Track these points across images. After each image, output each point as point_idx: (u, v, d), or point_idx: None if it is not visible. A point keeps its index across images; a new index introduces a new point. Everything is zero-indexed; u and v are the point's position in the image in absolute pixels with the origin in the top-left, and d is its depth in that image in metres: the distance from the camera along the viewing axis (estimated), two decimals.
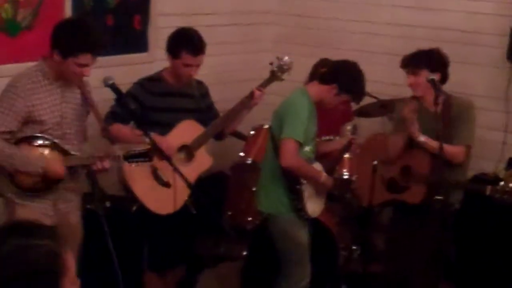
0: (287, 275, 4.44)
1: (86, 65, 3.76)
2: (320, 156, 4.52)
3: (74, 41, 3.71)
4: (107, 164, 3.87)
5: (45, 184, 3.85)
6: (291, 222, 4.36)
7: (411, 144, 4.46)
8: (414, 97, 4.49)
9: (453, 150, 4.31)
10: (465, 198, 4.61)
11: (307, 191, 4.31)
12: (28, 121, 3.77)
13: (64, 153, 3.85)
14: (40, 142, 3.81)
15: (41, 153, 3.79)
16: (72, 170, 3.93)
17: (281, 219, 4.38)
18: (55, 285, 1.86)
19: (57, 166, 3.81)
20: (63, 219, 4.00)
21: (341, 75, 4.29)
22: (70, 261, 1.92)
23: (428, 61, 4.35)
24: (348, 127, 4.62)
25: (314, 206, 4.40)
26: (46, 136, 3.82)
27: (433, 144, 4.27)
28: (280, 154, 4.18)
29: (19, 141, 3.79)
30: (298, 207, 4.31)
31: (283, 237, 4.40)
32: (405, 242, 4.59)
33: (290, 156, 4.15)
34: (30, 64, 3.93)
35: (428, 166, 4.38)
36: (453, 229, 4.43)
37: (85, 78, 3.92)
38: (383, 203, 4.79)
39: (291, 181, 4.28)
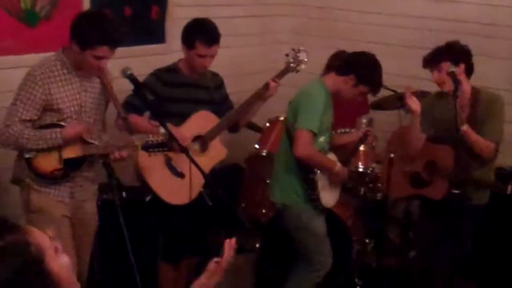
0: (304, 264, 4.45)
1: (103, 57, 3.78)
2: (335, 149, 4.51)
3: (92, 33, 3.73)
4: (125, 153, 3.89)
5: (63, 172, 3.87)
6: (306, 212, 4.36)
7: (436, 139, 4.44)
8: (442, 93, 4.44)
9: (484, 143, 4.26)
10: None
11: (321, 181, 4.31)
12: (46, 109, 3.80)
13: (83, 141, 3.87)
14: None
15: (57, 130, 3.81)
16: (90, 159, 3.95)
17: (295, 209, 4.38)
18: (41, 270, 1.82)
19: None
20: (79, 208, 4.04)
21: (359, 66, 4.27)
22: (41, 238, 1.85)
23: (449, 54, 4.31)
24: (364, 120, 4.60)
25: (328, 197, 4.40)
26: (64, 124, 3.84)
27: (474, 134, 4.23)
28: (294, 144, 4.18)
29: (38, 129, 3.82)
30: (312, 197, 4.31)
31: (298, 227, 4.40)
32: (422, 237, 4.58)
33: (304, 147, 4.15)
34: (49, 54, 3.95)
35: (452, 161, 4.35)
36: (474, 225, 4.40)
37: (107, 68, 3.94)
38: (405, 197, 4.77)
39: (305, 171, 4.28)
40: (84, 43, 3.73)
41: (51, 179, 3.87)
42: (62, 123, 3.83)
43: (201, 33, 4.38)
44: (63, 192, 3.95)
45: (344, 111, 4.92)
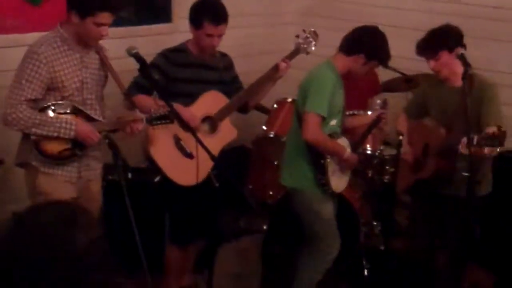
0: (313, 249, 4.41)
1: (104, 24, 3.73)
2: (345, 131, 4.47)
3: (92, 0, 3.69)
4: (138, 127, 3.87)
5: (71, 152, 3.84)
6: (316, 196, 4.32)
7: (437, 124, 4.42)
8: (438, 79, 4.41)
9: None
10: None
11: (332, 166, 4.27)
12: (50, 88, 3.76)
13: (89, 118, 3.85)
14: (62, 108, 3.80)
15: (70, 118, 3.77)
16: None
17: (305, 193, 4.34)
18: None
19: (88, 127, 3.80)
20: (86, 188, 4.01)
21: (366, 43, 4.22)
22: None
23: (444, 41, 4.26)
24: (378, 100, 4.55)
25: (338, 181, 4.36)
26: (68, 102, 3.81)
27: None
28: (303, 128, 4.14)
29: (42, 109, 3.77)
30: (322, 182, 4.27)
31: (307, 211, 4.36)
32: (428, 220, 4.55)
33: (312, 130, 4.11)
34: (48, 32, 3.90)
35: (440, 139, 4.32)
36: (480, 209, 4.37)
37: (102, 43, 3.89)
38: (410, 187, 4.73)
39: (316, 155, 4.23)
40: (84, 10, 3.69)
41: (58, 159, 3.84)
42: (67, 102, 3.77)
43: (209, 12, 4.33)
44: (71, 172, 3.92)
45: (356, 92, 4.86)
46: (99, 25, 3.72)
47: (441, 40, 4.27)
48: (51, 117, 3.74)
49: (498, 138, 3.82)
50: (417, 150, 4.53)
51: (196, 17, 4.37)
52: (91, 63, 3.92)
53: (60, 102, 3.79)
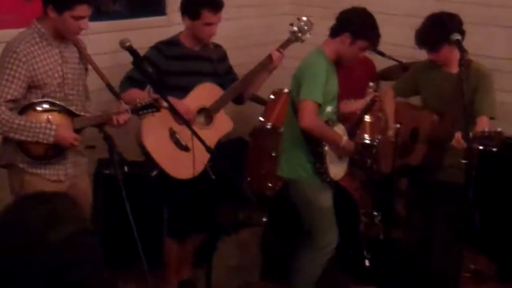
0: (312, 241, 4.38)
1: (82, 17, 3.66)
2: (341, 118, 4.44)
3: None
4: (122, 118, 3.81)
5: (55, 151, 3.77)
6: (314, 186, 4.29)
7: (425, 104, 4.39)
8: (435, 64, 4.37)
9: (483, 124, 4.15)
10: (491, 163, 4.52)
11: (329, 154, 4.24)
12: (30, 86, 3.68)
13: (72, 115, 3.79)
14: (45, 107, 3.73)
15: (49, 120, 3.70)
16: (80, 133, 3.84)
17: (303, 184, 4.30)
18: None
19: (68, 132, 3.74)
20: (73, 184, 3.94)
21: (351, 22, 4.17)
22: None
23: (444, 35, 4.20)
24: (370, 83, 4.52)
25: (336, 169, 4.33)
26: (50, 100, 3.73)
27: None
28: (299, 116, 4.10)
29: (24, 109, 3.70)
30: (320, 171, 4.24)
31: (306, 202, 4.33)
32: (424, 208, 4.52)
33: (308, 117, 4.07)
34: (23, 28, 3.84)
35: (433, 127, 4.29)
36: (477, 195, 4.34)
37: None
38: (395, 169, 4.70)
39: (313, 144, 4.20)
40: (61, 4, 3.61)
41: (45, 159, 3.77)
42: (48, 99, 3.71)
43: (206, 1, 4.31)
44: (57, 170, 3.85)
45: (352, 81, 4.84)
46: (77, 18, 3.64)
47: (442, 33, 4.21)
48: (30, 122, 3.66)
49: (495, 140, 3.79)
50: (405, 133, 4.49)
51: (194, 8, 4.34)
52: (71, 57, 3.85)
53: (41, 100, 3.72)
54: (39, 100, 3.72)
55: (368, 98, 4.52)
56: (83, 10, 3.65)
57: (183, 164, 4.24)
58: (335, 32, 4.21)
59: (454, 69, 4.20)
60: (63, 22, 3.66)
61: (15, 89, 3.63)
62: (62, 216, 1.75)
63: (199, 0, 4.34)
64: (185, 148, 4.21)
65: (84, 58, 3.89)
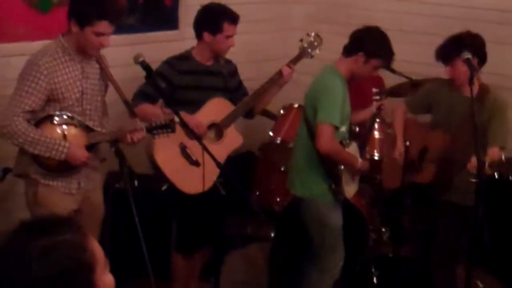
0: (320, 261, 4.37)
1: (103, 34, 3.71)
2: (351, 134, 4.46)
3: (90, 9, 3.68)
4: (137, 136, 3.84)
5: (69, 165, 3.81)
6: (327, 205, 4.29)
7: (437, 125, 4.40)
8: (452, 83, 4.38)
9: (494, 153, 4.13)
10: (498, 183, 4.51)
11: (345, 174, 4.24)
12: (50, 99, 3.74)
13: (88, 129, 3.83)
14: (62, 120, 3.77)
15: (65, 136, 3.74)
16: (95, 148, 3.89)
17: (317, 203, 4.29)
18: (88, 279, 1.74)
19: (80, 151, 3.78)
20: (86, 199, 3.99)
21: (365, 41, 4.18)
22: (98, 250, 1.79)
23: (459, 48, 4.21)
24: (374, 89, 4.53)
25: (350, 188, 4.34)
26: (68, 114, 3.78)
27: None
28: (316, 139, 4.10)
29: (40, 121, 3.75)
30: (335, 191, 4.24)
31: (318, 221, 4.32)
32: (429, 226, 4.52)
33: (327, 141, 4.07)
34: (49, 41, 3.90)
35: (443, 147, 4.29)
36: (488, 215, 4.34)
37: (102, 52, 3.88)
38: (402, 187, 4.72)
39: (329, 165, 4.20)
40: (83, 20, 3.68)
41: (57, 171, 3.81)
42: (66, 113, 3.75)
43: (226, 14, 4.41)
44: (70, 183, 3.89)
45: (362, 97, 4.85)
46: (98, 34, 3.70)
47: (456, 46, 4.23)
48: (45, 137, 3.70)
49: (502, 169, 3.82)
50: (414, 151, 4.50)
51: (215, 22, 4.39)
52: (92, 73, 3.90)
53: (58, 113, 3.77)
54: (57, 113, 3.76)
55: (373, 107, 4.53)
56: (104, 26, 3.70)
57: (193, 179, 4.26)
58: (349, 51, 4.22)
59: (469, 92, 4.19)
60: (84, 37, 3.72)
61: (34, 100, 3.68)
62: (59, 248, 1.73)
63: (220, 14, 4.40)
64: (196, 163, 4.23)
65: (106, 75, 3.93)
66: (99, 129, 3.88)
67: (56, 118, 3.77)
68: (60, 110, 3.77)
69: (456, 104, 4.31)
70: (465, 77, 4.18)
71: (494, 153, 4.06)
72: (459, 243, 4.28)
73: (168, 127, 3.90)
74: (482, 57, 4.27)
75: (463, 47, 4.19)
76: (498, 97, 4.29)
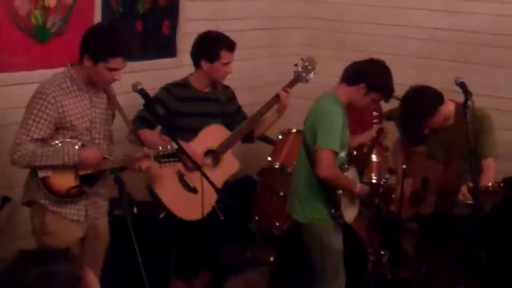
0: (321, 285, 4.37)
1: (116, 69, 3.77)
2: (349, 157, 4.49)
3: (104, 46, 3.71)
4: (146, 164, 3.88)
5: (79, 190, 3.83)
6: (328, 230, 4.29)
7: (431, 155, 4.45)
8: None
9: (489, 168, 4.23)
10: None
11: (344, 200, 4.26)
12: (58, 127, 3.77)
13: None
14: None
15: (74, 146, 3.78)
16: (102, 175, 3.92)
17: (317, 227, 4.30)
18: None
19: (92, 151, 3.80)
20: (92, 226, 4.00)
21: (368, 74, 4.22)
22: (94, 282, 1.86)
23: (431, 109, 4.30)
24: (374, 113, 4.58)
25: (350, 213, 4.35)
26: (78, 142, 3.81)
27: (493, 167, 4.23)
28: (316, 165, 4.12)
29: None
30: (335, 216, 4.26)
31: (318, 246, 4.32)
32: (432, 249, 4.55)
33: (326, 166, 4.09)
34: (60, 69, 3.94)
35: (440, 175, 4.35)
36: (483, 233, 4.38)
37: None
38: (409, 218, 4.77)
39: (328, 191, 4.23)
40: (97, 56, 3.71)
41: (67, 197, 3.82)
42: (75, 141, 3.80)
43: (223, 42, 4.46)
44: (78, 210, 3.90)
45: (360, 121, 4.90)
46: (111, 70, 3.74)
47: (419, 113, 4.31)
48: (53, 147, 3.72)
49: (498, 195, 3.86)
50: (416, 182, 4.55)
51: (212, 50, 4.44)
52: (100, 102, 3.93)
53: (68, 140, 3.79)
54: (67, 140, 3.79)
55: (374, 132, 4.57)
56: (118, 63, 3.74)
57: (191, 206, 4.29)
58: (351, 81, 4.26)
59: (451, 121, 4.30)
60: (97, 72, 3.76)
61: (41, 129, 3.71)
62: (54, 278, 1.78)
63: (217, 42, 4.46)
64: (193, 190, 4.26)
65: (113, 104, 3.98)
66: (108, 156, 3.91)
67: (65, 145, 3.78)
68: (70, 138, 3.80)
69: (443, 133, 4.38)
70: (445, 115, 4.34)
71: (489, 167, 4.15)
72: (459, 263, 4.32)
73: (175, 156, 3.93)
74: (438, 103, 4.34)
75: (424, 111, 4.29)
76: (477, 111, 4.27)
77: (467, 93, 4.13)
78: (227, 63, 4.46)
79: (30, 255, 1.84)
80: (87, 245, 3.98)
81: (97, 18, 4.90)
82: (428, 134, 4.49)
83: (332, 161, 4.11)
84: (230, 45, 4.47)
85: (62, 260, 1.82)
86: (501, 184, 3.89)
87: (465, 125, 4.04)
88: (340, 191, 4.22)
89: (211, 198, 4.22)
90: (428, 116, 4.30)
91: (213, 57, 4.44)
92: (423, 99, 4.34)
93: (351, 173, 4.31)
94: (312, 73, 4.75)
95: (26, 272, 1.76)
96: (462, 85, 4.16)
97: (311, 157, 4.19)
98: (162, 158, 3.93)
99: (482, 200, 3.97)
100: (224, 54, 4.43)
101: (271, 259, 5.13)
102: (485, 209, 4.28)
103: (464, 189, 3.99)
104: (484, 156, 4.18)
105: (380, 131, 4.56)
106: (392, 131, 5.06)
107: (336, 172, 4.16)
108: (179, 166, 4.27)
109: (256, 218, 5.44)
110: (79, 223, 3.92)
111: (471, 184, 3.96)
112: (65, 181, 3.79)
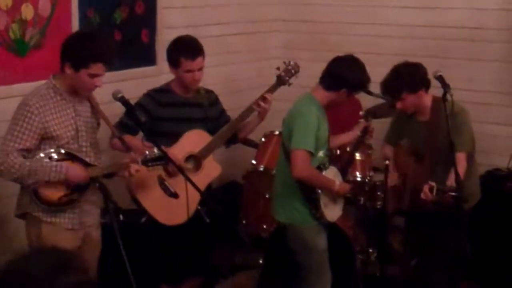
0: (308, 285, 4.39)
1: (98, 75, 3.78)
2: (333, 157, 4.51)
3: (84, 51, 3.74)
4: (135, 168, 3.90)
5: (70, 198, 3.84)
6: (310, 230, 4.31)
7: (412, 152, 4.49)
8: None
9: (460, 161, 4.22)
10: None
11: (323, 199, 4.27)
12: (44, 137, 3.78)
13: (85, 165, 3.87)
14: (60, 156, 3.81)
15: (61, 162, 3.79)
16: (92, 183, 3.92)
17: (300, 228, 4.32)
18: None
19: (78, 169, 3.81)
20: (87, 235, 4.02)
21: (347, 78, 4.19)
22: None
23: (406, 84, 4.33)
24: (360, 112, 4.61)
25: (332, 212, 4.36)
26: (66, 150, 3.82)
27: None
28: (292, 165, 4.13)
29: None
30: (316, 216, 4.27)
31: (303, 247, 4.34)
32: (420, 244, 4.58)
33: (301, 168, 4.10)
34: (40, 82, 3.96)
35: (414, 172, 4.39)
36: (469, 226, 4.41)
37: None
38: (394, 212, 4.82)
39: (307, 190, 4.24)
40: (78, 63, 3.73)
41: (59, 205, 3.84)
42: (63, 149, 3.81)
43: (183, 49, 4.46)
44: (72, 219, 3.92)
45: (340, 118, 4.92)
46: (92, 76, 3.76)
47: (403, 82, 4.33)
48: (41, 162, 3.74)
49: (457, 191, 3.89)
50: (400, 178, 4.60)
51: (173, 57, 4.48)
52: (84, 111, 3.95)
53: (56, 149, 3.80)
54: (53, 149, 3.80)
55: (358, 131, 4.59)
56: (99, 68, 3.76)
57: (173, 211, 4.29)
58: (331, 87, 4.23)
59: (426, 116, 4.35)
60: (78, 79, 3.78)
61: (26, 139, 3.73)
62: (67, 266, 1.79)
63: (176, 49, 4.49)
64: (174, 195, 4.25)
65: (97, 112, 4.00)
66: (96, 164, 3.92)
67: (54, 154, 3.80)
68: (57, 147, 3.81)
69: (418, 130, 4.44)
70: (416, 106, 4.38)
71: (459, 160, 4.16)
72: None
73: (162, 159, 3.95)
74: (427, 83, 4.38)
75: (409, 82, 4.32)
76: (454, 106, 4.30)
77: (445, 86, 4.17)
78: (189, 70, 4.44)
79: (40, 249, 1.86)
80: (82, 254, 3.97)
81: (75, 29, 4.89)
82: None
83: (307, 161, 4.11)
84: (189, 53, 4.44)
85: (70, 253, 1.85)
86: (454, 185, 3.95)
87: (444, 118, 4.07)
88: (320, 191, 4.23)
89: (193, 201, 4.22)
90: (409, 90, 4.31)
91: (174, 64, 4.48)
92: (416, 72, 4.37)
93: (330, 172, 4.31)
94: (295, 76, 4.75)
95: (36, 262, 1.78)
96: (440, 79, 4.21)
97: (288, 158, 4.21)
98: (150, 161, 3.95)
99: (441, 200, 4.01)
100: (184, 62, 4.43)
101: (260, 262, 5.12)
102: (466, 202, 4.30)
103: (425, 188, 4.02)
104: (456, 150, 4.20)
105: (366, 130, 4.58)
106: (377, 129, 5.12)
107: (311, 171, 4.16)
108: (160, 171, 4.28)
109: (244, 222, 5.44)
110: (75, 231, 3.93)
111: (432, 183, 4.00)
112: (55, 190, 3.80)
